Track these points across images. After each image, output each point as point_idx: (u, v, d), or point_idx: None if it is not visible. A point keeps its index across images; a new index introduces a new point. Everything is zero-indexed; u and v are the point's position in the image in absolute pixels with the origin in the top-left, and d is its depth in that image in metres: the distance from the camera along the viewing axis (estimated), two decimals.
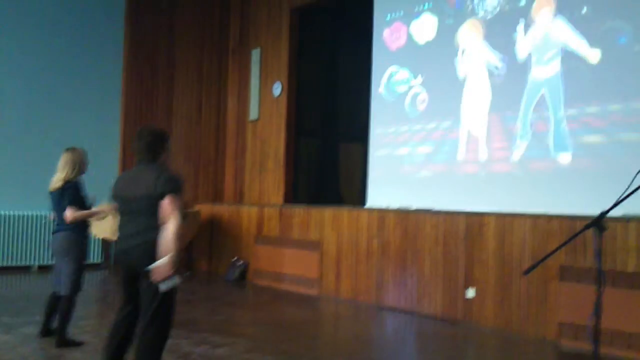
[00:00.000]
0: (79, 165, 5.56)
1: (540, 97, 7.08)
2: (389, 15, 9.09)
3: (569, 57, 6.79)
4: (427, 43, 8.46)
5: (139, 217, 3.95)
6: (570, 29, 6.81)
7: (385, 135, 8.95)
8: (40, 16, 10.58)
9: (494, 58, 7.57)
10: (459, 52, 8.01)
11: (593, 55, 6.57)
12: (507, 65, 7.46)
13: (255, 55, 11.49)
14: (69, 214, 5.38)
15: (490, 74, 7.62)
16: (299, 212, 9.41)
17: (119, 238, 4.11)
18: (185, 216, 3.65)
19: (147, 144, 4.03)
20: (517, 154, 7.22)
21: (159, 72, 11.51)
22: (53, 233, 5.62)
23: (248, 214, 10.44)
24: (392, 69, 8.96)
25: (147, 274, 3.84)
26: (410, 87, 8.64)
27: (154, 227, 3.87)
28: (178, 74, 11.72)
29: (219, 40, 12.18)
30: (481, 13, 7.78)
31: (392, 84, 8.95)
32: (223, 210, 11.09)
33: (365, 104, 9.35)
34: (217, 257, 11.00)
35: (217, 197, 11.98)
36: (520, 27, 7.31)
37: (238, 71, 11.99)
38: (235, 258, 10.36)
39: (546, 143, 6.93)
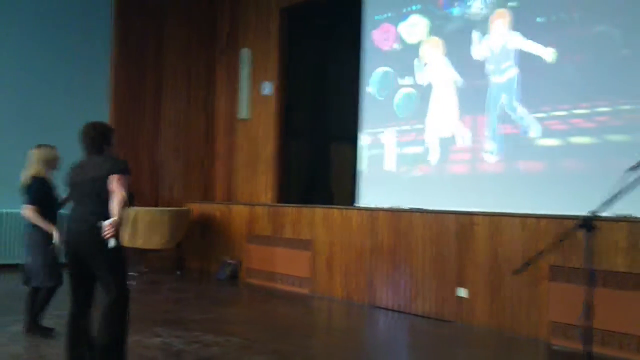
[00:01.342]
0: (47, 162, 5.62)
1: (512, 100, 7.19)
2: (377, 17, 9.12)
3: (562, 59, 6.88)
4: (417, 43, 8.50)
5: (86, 202, 4.23)
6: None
7: (376, 135, 8.99)
8: (26, 20, 10.51)
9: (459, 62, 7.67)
10: (422, 64, 8.32)
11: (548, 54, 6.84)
12: (484, 66, 7.54)
13: (244, 55, 11.47)
14: (27, 212, 5.48)
15: (468, 76, 7.72)
16: (290, 211, 9.42)
17: (68, 221, 4.32)
18: (131, 197, 3.95)
19: (92, 139, 4.34)
20: (504, 154, 7.29)
21: (148, 73, 11.45)
22: (25, 228, 5.69)
23: (239, 213, 10.43)
24: (381, 69, 8.99)
25: (96, 258, 4.12)
26: (400, 88, 8.68)
27: (100, 212, 4.11)
28: (167, 74, 11.66)
29: (207, 40, 12.13)
30: (469, 14, 7.82)
31: (381, 84, 8.98)
32: (214, 209, 11.07)
33: (355, 103, 9.37)
34: (208, 256, 10.98)
35: (207, 196, 11.95)
36: (499, 29, 7.38)
37: (227, 71, 11.96)
38: (227, 257, 10.36)
39: (532, 143, 7.01)
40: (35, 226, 5.51)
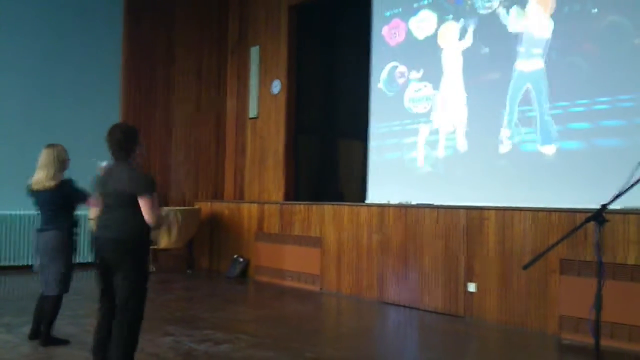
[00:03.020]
0: (64, 161, 5.44)
1: (526, 91, 7.16)
2: (387, 12, 9.10)
3: (563, 52, 6.84)
4: (427, 39, 8.47)
5: (113, 212, 4.19)
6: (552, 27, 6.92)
7: (385, 131, 8.97)
8: (39, 16, 10.55)
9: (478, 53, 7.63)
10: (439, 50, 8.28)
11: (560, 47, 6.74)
12: (498, 60, 7.51)
13: (254, 53, 11.49)
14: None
15: (478, 70, 7.69)
16: (299, 208, 9.43)
17: (97, 229, 4.28)
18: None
19: (117, 141, 4.23)
20: (514, 148, 7.25)
21: (158, 71, 11.50)
22: (40, 231, 5.45)
23: (248, 211, 10.45)
24: (391, 64, 8.97)
25: (120, 267, 4.10)
26: (410, 83, 8.66)
27: (126, 222, 4.15)
28: (177, 72, 11.70)
29: (217, 39, 12.18)
30: (480, 8, 7.79)
31: (391, 79, 8.96)
32: (223, 207, 11.10)
33: (365, 100, 9.36)
34: (218, 255, 11.02)
35: (217, 194, 11.99)
36: (513, 21, 7.34)
37: (237, 69, 11.99)
38: (237, 255, 10.38)
39: (543, 136, 6.98)
40: (63, 228, 5.36)
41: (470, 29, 7.88)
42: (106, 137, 4.27)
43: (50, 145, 5.50)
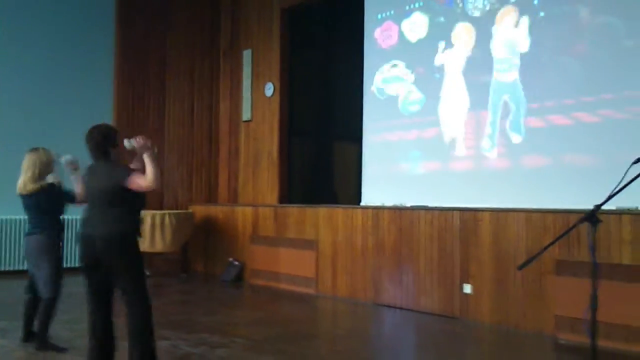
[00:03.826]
0: (47, 164, 5.43)
1: (511, 96, 7.18)
2: (379, 15, 9.11)
3: (560, 52, 6.87)
4: (419, 41, 8.49)
5: (104, 209, 4.22)
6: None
7: (379, 134, 8.98)
8: (29, 22, 10.52)
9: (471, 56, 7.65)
10: (441, 48, 8.18)
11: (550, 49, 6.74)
12: (487, 62, 7.54)
13: (247, 56, 11.49)
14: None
15: (472, 72, 7.71)
16: (293, 211, 9.42)
17: (86, 228, 4.27)
18: (143, 201, 4.17)
19: (96, 142, 4.30)
20: (507, 150, 7.27)
21: (151, 75, 11.48)
22: (27, 235, 5.48)
23: (243, 214, 10.44)
24: (384, 67, 8.98)
25: (119, 262, 4.18)
26: (403, 85, 8.67)
27: (121, 218, 4.22)
28: (170, 76, 11.69)
29: (210, 42, 12.17)
30: (471, 11, 7.81)
31: (384, 82, 8.97)
32: (218, 211, 11.09)
33: (359, 102, 9.36)
34: (213, 258, 11.00)
35: (211, 198, 11.98)
36: (503, 25, 7.37)
37: (230, 72, 11.99)
38: (232, 258, 10.37)
39: (529, 139, 7.00)
40: (49, 231, 5.37)
41: (467, 31, 7.90)
42: (85, 139, 4.34)
43: (32, 150, 5.52)
